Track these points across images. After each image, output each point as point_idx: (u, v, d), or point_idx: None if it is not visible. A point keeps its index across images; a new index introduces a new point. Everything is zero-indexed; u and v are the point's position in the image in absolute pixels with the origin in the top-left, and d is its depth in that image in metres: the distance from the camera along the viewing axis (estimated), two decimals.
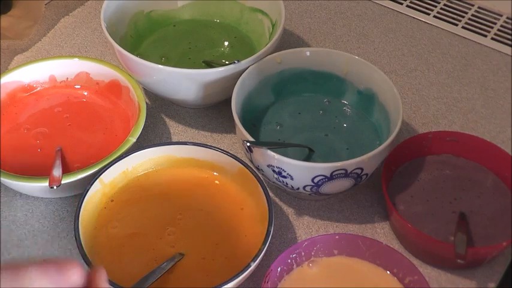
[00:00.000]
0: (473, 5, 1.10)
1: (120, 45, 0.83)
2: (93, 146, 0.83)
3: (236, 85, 0.80)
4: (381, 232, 0.79)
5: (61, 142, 0.83)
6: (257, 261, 0.68)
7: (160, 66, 0.81)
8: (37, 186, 0.76)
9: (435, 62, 1.00)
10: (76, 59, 0.89)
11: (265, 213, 0.72)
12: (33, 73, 0.88)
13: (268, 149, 0.73)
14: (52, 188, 0.74)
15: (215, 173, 0.80)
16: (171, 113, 0.92)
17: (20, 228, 0.78)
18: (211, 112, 0.92)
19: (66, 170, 0.77)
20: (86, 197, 0.73)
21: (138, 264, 0.71)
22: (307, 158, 0.80)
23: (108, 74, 0.88)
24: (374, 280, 0.72)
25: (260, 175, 0.76)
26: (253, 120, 0.84)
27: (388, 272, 0.72)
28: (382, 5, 1.10)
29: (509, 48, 1.02)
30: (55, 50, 1.00)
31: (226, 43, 0.95)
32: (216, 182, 0.79)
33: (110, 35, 0.85)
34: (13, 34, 0.97)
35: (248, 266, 0.67)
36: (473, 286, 0.74)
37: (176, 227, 0.75)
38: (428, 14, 1.08)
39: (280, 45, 0.89)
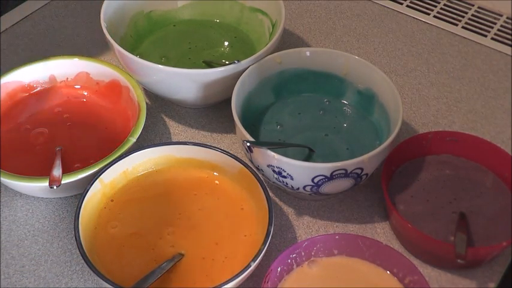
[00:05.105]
0: (473, 5, 1.10)
1: (120, 45, 0.83)
2: (93, 146, 0.83)
3: (236, 85, 0.80)
4: (381, 232, 0.79)
5: (61, 142, 0.83)
6: (257, 261, 0.68)
7: (160, 66, 0.81)
8: (37, 186, 0.76)
9: (435, 62, 1.00)
10: (76, 59, 0.89)
11: (265, 213, 0.72)
12: (33, 73, 0.88)
13: (268, 149, 0.73)
14: (52, 188, 0.74)
15: (215, 173, 0.80)
16: (171, 113, 0.92)
17: (20, 228, 0.78)
18: (211, 112, 0.92)
19: (66, 170, 0.77)
20: (86, 197, 0.73)
21: (138, 264, 0.71)
22: (307, 158, 0.80)
23: (108, 74, 0.88)
24: (374, 280, 0.72)
25: (260, 175, 0.76)
26: (253, 120, 0.84)
27: (388, 272, 0.72)
28: (382, 5, 1.10)
29: (509, 48, 1.02)
30: (55, 50, 1.00)
31: (226, 43, 0.95)
32: (216, 182, 0.79)
33: (110, 35, 0.85)
34: None
35: (248, 266, 0.67)
36: (473, 286, 0.74)
37: (176, 227, 0.75)
38: (428, 14, 1.08)
39: (280, 45, 0.89)
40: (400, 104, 0.78)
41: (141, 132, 0.81)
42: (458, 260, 0.69)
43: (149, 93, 0.93)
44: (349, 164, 0.72)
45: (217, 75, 0.81)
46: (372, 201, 0.82)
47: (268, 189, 0.75)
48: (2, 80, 0.86)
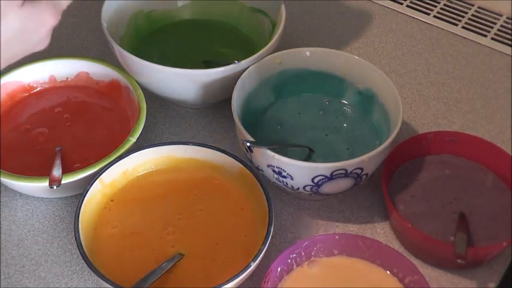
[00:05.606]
0: (473, 5, 1.10)
1: (120, 45, 0.83)
2: (93, 146, 0.83)
3: (236, 85, 0.80)
4: (381, 232, 0.79)
5: (61, 142, 0.83)
6: (257, 261, 0.68)
7: (160, 66, 0.81)
8: (37, 186, 0.76)
9: (435, 62, 1.00)
10: (76, 59, 0.89)
11: (265, 213, 0.72)
12: (33, 73, 0.88)
13: (268, 149, 0.73)
14: (52, 188, 0.74)
15: (215, 173, 0.79)
16: (171, 113, 0.92)
17: (20, 228, 0.78)
18: (211, 112, 0.92)
19: (66, 170, 0.77)
20: (86, 197, 0.73)
21: (138, 264, 0.71)
22: (307, 158, 0.80)
23: (108, 74, 0.88)
24: (374, 280, 0.72)
25: (260, 175, 0.76)
26: (253, 120, 0.84)
27: (388, 272, 0.72)
28: (382, 5, 1.10)
29: (509, 48, 1.02)
30: (55, 50, 1.00)
31: (226, 43, 0.95)
32: (216, 182, 0.79)
33: (110, 35, 0.84)
34: None
35: (248, 266, 0.67)
36: (473, 286, 0.74)
37: (176, 227, 0.75)
38: (428, 14, 1.08)
39: (280, 45, 0.89)
40: (400, 104, 0.78)
41: (141, 132, 0.81)
42: (458, 260, 0.69)
43: (149, 93, 0.93)
44: (349, 164, 0.72)
45: (217, 75, 0.81)
46: (372, 201, 0.82)
47: (268, 189, 0.74)
48: (2, 80, 0.86)
